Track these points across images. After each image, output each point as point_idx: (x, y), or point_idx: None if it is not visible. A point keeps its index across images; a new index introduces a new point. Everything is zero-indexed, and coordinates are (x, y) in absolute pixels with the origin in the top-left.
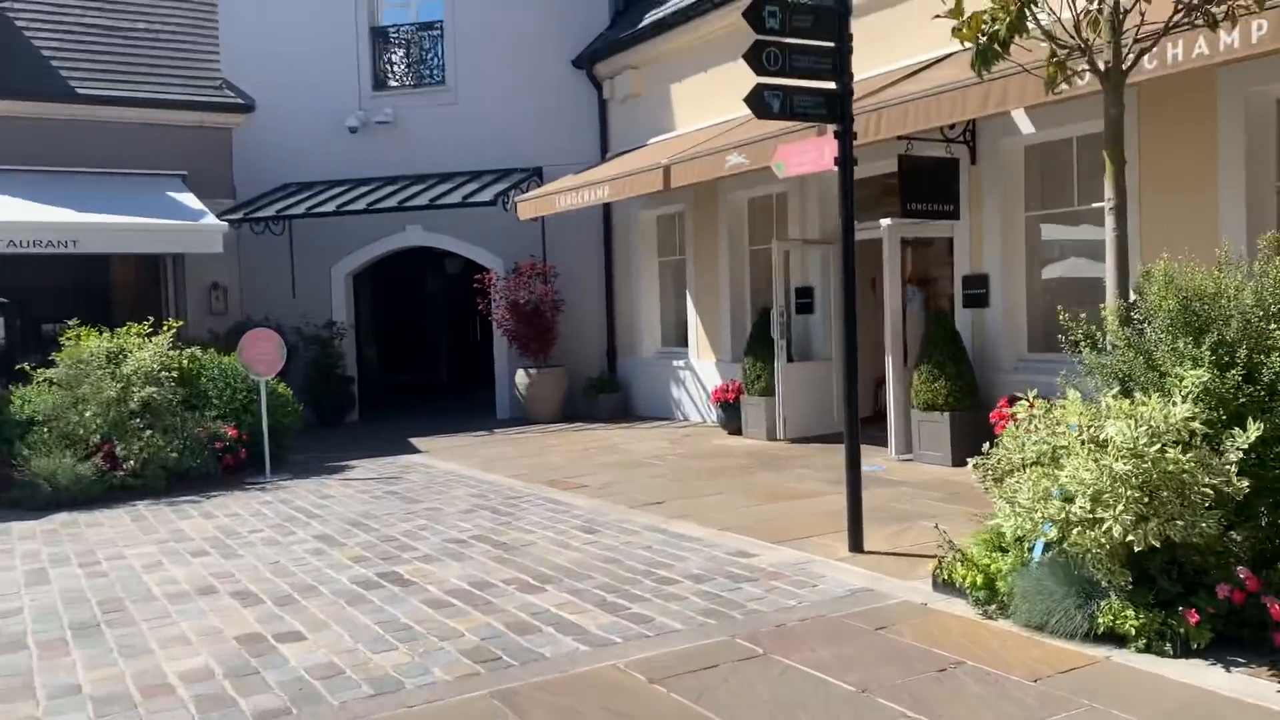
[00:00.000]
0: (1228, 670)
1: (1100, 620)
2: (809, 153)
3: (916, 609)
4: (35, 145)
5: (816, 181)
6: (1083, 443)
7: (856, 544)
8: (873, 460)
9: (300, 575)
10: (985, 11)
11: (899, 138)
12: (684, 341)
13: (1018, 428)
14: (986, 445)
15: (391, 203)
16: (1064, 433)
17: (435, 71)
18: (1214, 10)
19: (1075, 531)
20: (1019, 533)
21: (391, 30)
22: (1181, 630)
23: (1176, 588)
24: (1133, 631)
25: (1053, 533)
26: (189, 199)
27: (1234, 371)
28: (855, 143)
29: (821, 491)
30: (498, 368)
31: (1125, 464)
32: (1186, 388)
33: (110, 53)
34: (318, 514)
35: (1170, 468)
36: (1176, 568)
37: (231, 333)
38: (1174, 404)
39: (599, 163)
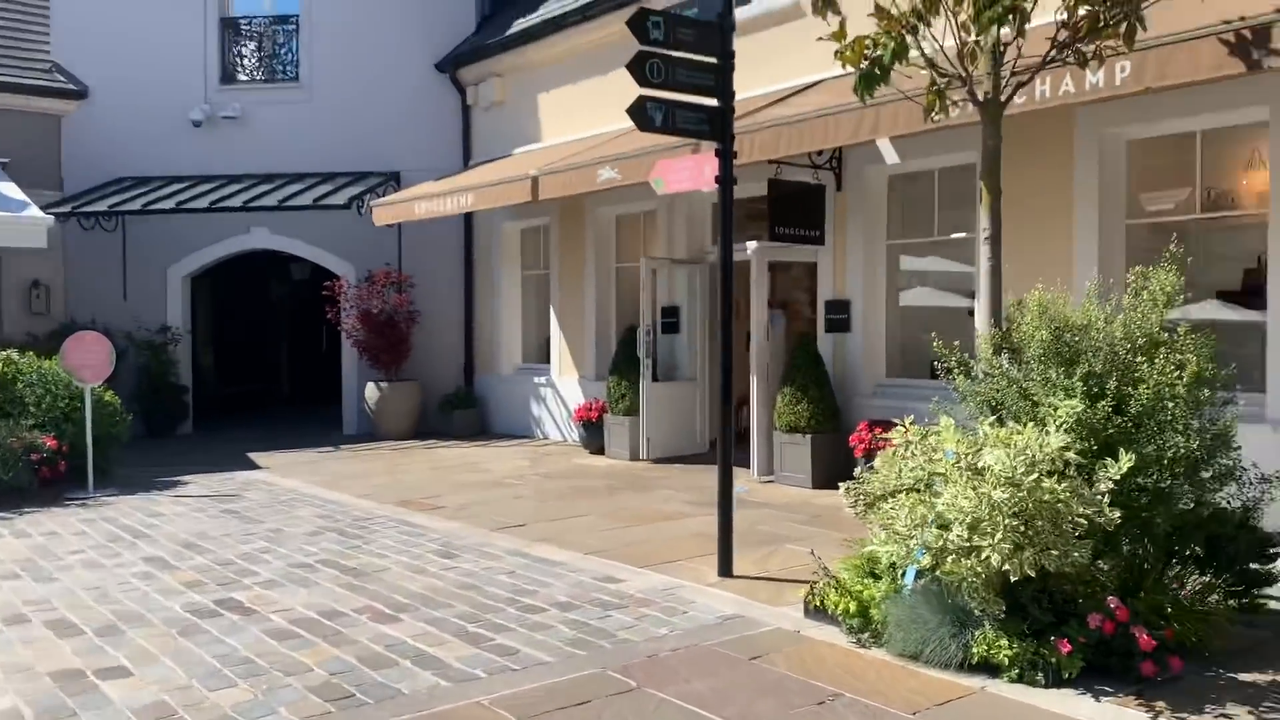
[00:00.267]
0: (1097, 700)
1: (975, 650)
2: (688, 170)
3: (790, 637)
4: None
5: (685, 201)
6: (961, 470)
7: (726, 569)
8: (736, 482)
9: (126, 602)
10: (868, 36)
11: (769, 161)
12: (546, 358)
13: (893, 453)
14: (858, 470)
15: (237, 202)
16: (941, 459)
17: (289, 67)
18: (1084, 49)
19: (950, 559)
20: (895, 560)
21: (243, 21)
22: (1053, 660)
23: (1048, 617)
24: (1006, 661)
25: (925, 560)
26: (10, 189)
27: (1103, 403)
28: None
29: (686, 513)
30: (346, 380)
31: (1003, 492)
32: (1061, 418)
33: None
34: (146, 533)
35: (1046, 497)
36: (1047, 596)
37: (54, 335)
38: (1048, 433)
39: (461, 170)
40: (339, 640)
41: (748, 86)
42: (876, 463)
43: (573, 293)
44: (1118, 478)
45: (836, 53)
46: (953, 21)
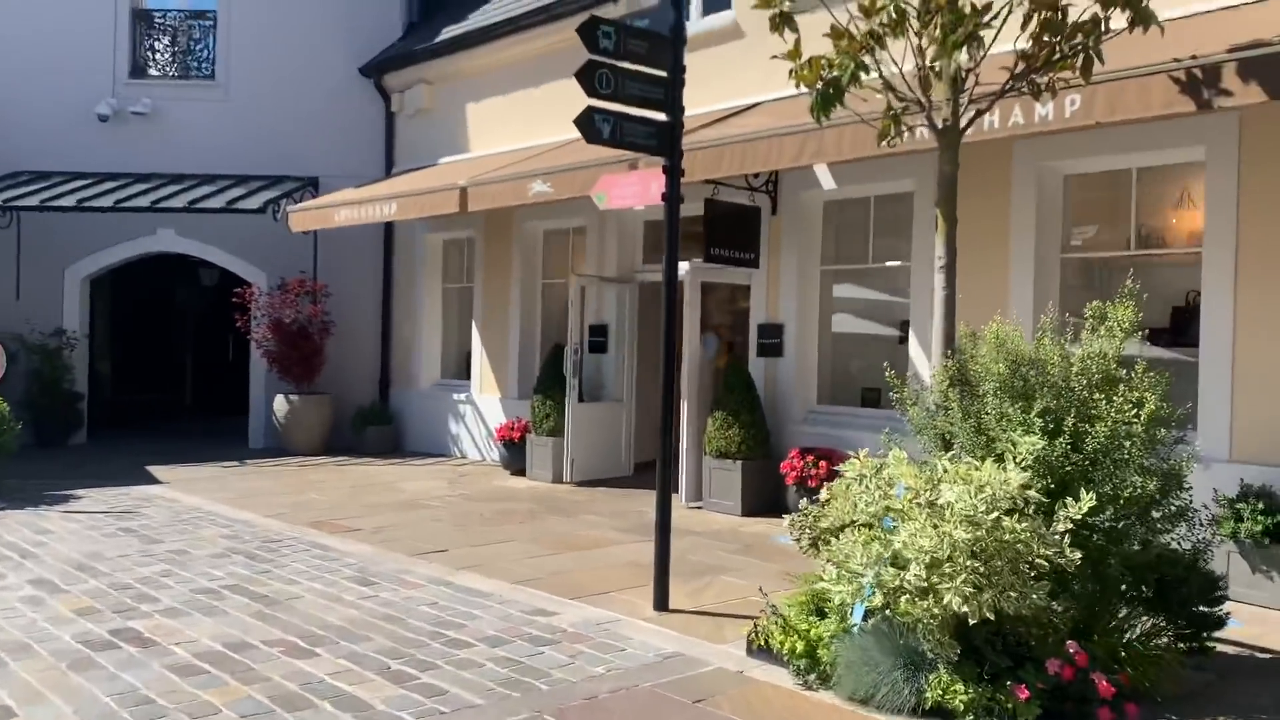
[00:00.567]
0: None
1: (929, 694)
2: (634, 185)
3: (733, 678)
4: None
5: (616, 218)
6: (919, 507)
7: (662, 602)
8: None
9: (10, 630)
10: (824, 57)
11: (705, 181)
12: (466, 374)
13: (847, 486)
14: (801, 501)
15: (143, 202)
16: (899, 495)
17: (204, 64)
18: (1038, 81)
19: (904, 599)
20: (847, 598)
21: (157, 15)
22: (1010, 705)
23: (1004, 661)
24: (961, 707)
25: (877, 599)
26: None
27: (1060, 440)
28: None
29: (615, 540)
30: (254, 392)
31: (965, 532)
32: (1021, 454)
33: None
34: (34, 553)
35: (1006, 537)
36: (1001, 639)
37: None
38: (1006, 470)
39: (383, 178)
40: (250, 677)
41: (685, 105)
42: (823, 495)
43: (497, 308)
44: (1078, 517)
45: (791, 72)
46: (914, 45)
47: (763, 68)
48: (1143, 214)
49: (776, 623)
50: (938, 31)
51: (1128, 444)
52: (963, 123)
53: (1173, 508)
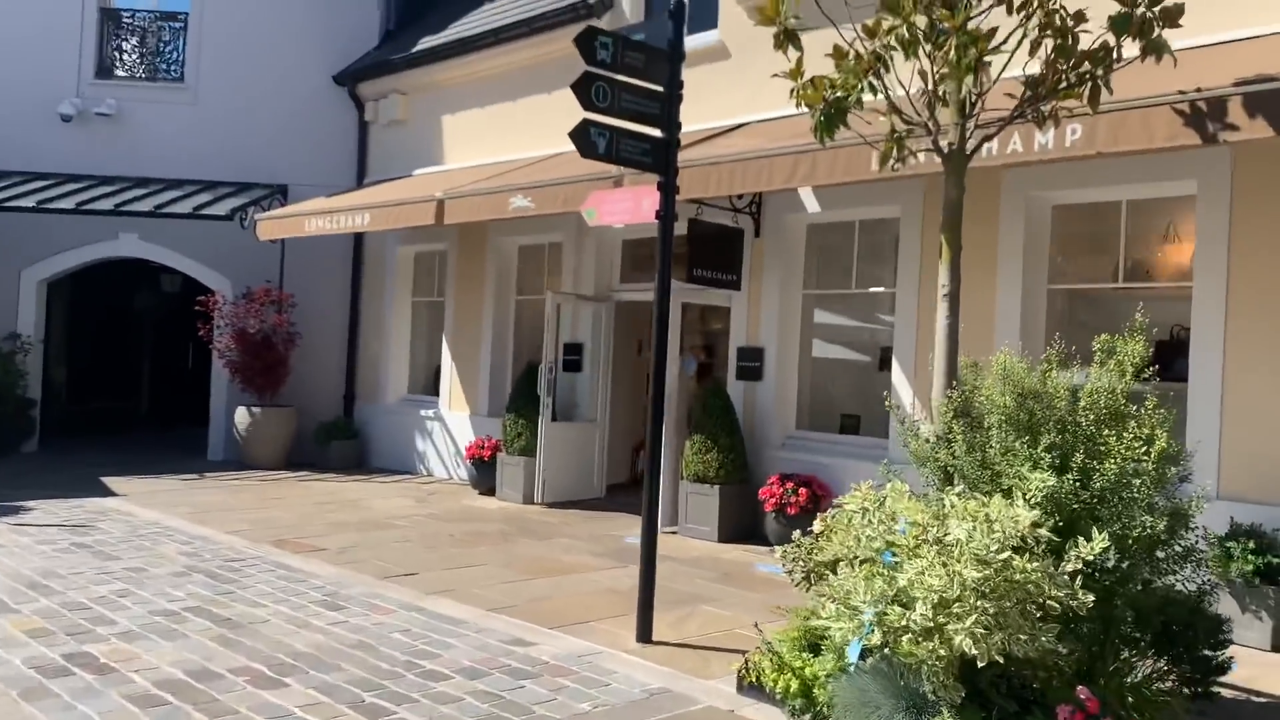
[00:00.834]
0: None
1: None
2: (625, 202)
3: (725, 717)
4: None
5: (594, 235)
6: (926, 543)
7: (645, 633)
8: (636, 532)
9: None
10: (826, 77)
11: (689, 201)
12: (435, 390)
13: (849, 519)
14: (796, 533)
15: (107, 205)
16: (904, 530)
17: (174, 67)
18: (1042, 108)
19: (906, 639)
20: (850, 637)
21: (125, 15)
22: None
23: (1011, 705)
24: None
25: (875, 637)
26: None
27: (1069, 476)
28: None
29: (592, 566)
30: (214, 403)
31: (976, 571)
32: (1031, 491)
33: None
34: None
35: (1017, 577)
36: (1006, 681)
37: None
38: (1015, 507)
39: (354, 188)
40: (215, 709)
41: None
42: (817, 526)
43: (469, 323)
44: (1090, 557)
45: (792, 91)
46: (924, 66)
47: (748, 88)
48: (1132, 246)
49: (770, 659)
50: (952, 54)
51: (1137, 482)
52: (969, 147)
53: (1178, 548)
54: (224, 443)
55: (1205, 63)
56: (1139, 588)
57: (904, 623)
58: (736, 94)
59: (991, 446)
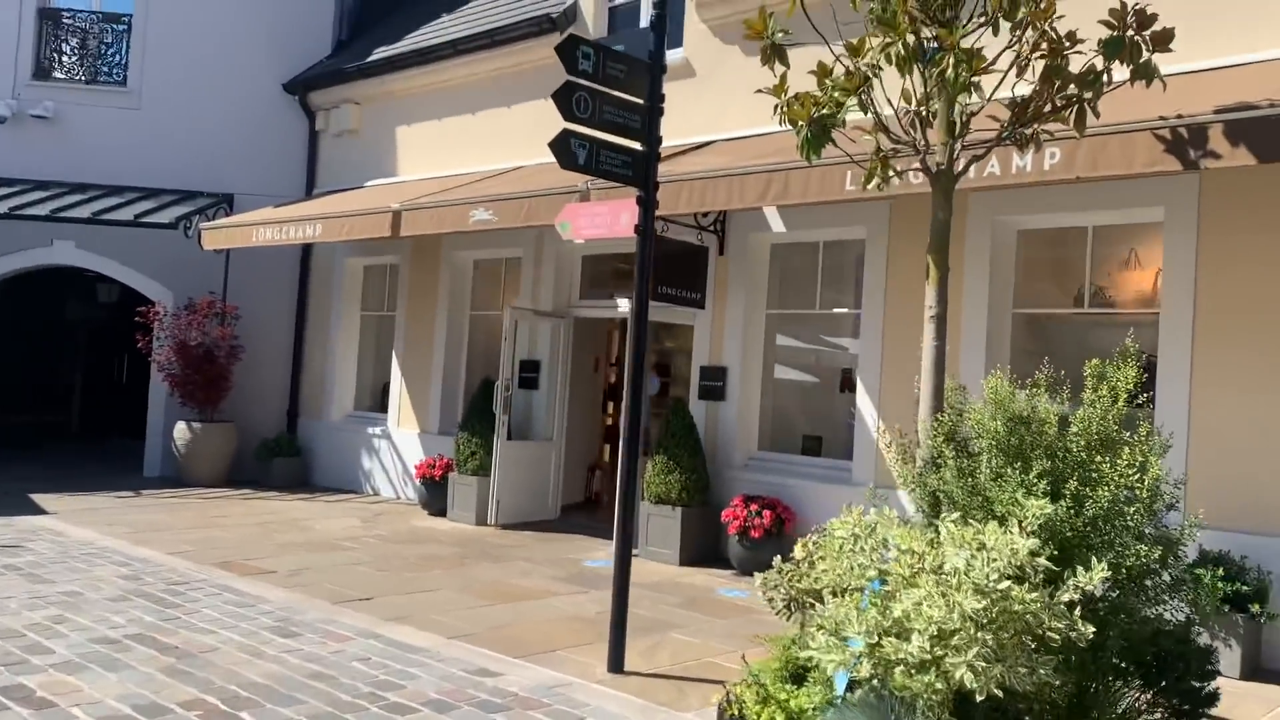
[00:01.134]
0: None
1: None
2: (602, 216)
3: None
4: None
5: (553, 251)
6: (923, 572)
7: (617, 663)
8: (595, 555)
9: None
10: (810, 94)
11: (657, 217)
12: (383, 407)
13: (840, 546)
14: (778, 560)
15: (42, 210)
16: (896, 558)
17: (116, 70)
18: (1024, 131)
19: (899, 671)
20: (844, 669)
21: (66, 15)
22: None
23: None
24: None
25: (864, 668)
26: None
27: (1062, 504)
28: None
29: (553, 590)
30: (152, 417)
31: (977, 601)
32: (1028, 518)
33: None
34: None
35: (1016, 607)
36: (1001, 715)
37: None
38: (1012, 535)
39: (303, 199)
40: None
41: None
42: (798, 552)
43: (420, 339)
44: (1090, 587)
45: (776, 108)
46: (915, 84)
47: (713, 106)
48: (1097, 272)
49: (753, 690)
50: (950, 71)
51: (1130, 509)
52: (957, 168)
53: (1167, 577)
54: (161, 459)
55: (1187, 89)
56: (1131, 617)
57: (900, 655)
58: (701, 112)
59: (981, 472)
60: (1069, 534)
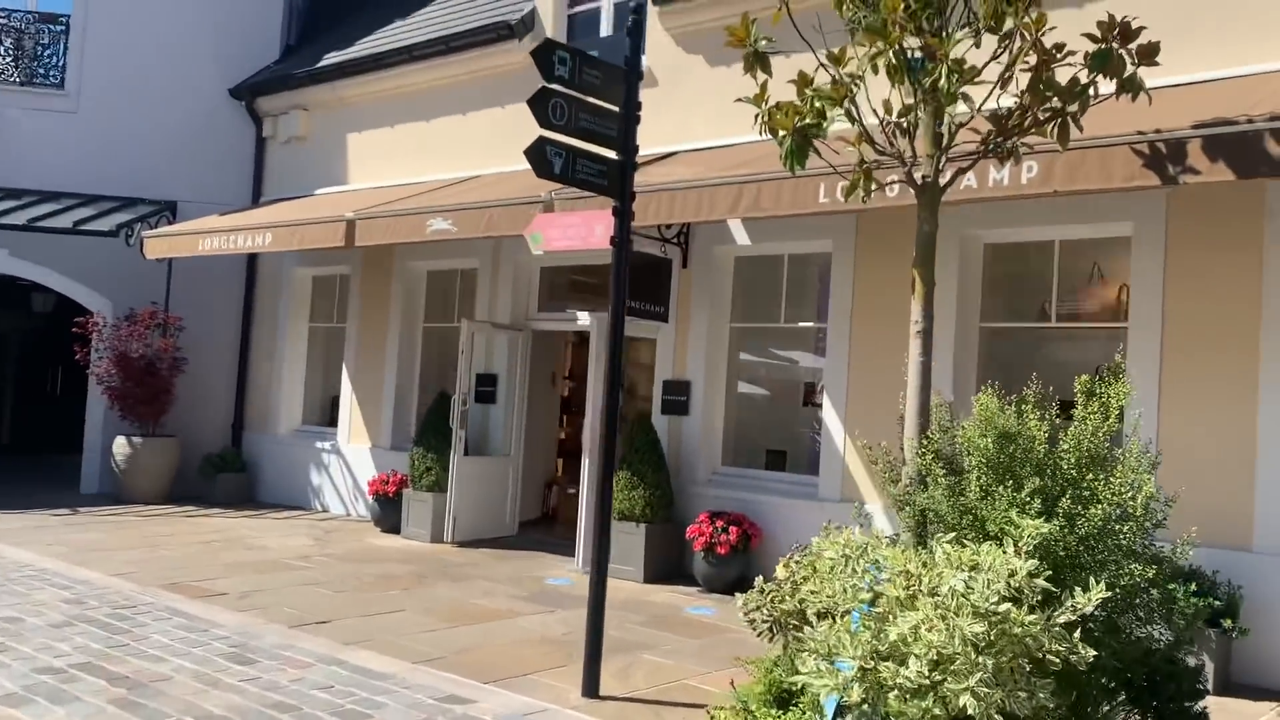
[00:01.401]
0: None
1: None
2: (575, 227)
3: None
4: None
5: (511, 262)
6: (921, 594)
7: (592, 688)
8: (557, 572)
9: None
10: (790, 103)
11: None
12: (333, 421)
13: (832, 567)
14: (759, 580)
15: None
16: (890, 580)
17: (53, 72)
18: (1005, 144)
19: (893, 696)
20: (837, 694)
21: (0, 14)
22: None
23: None
24: None
25: (855, 693)
26: None
27: (1056, 522)
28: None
29: (517, 610)
30: (90, 432)
31: (978, 625)
32: (1024, 538)
33: None
34: None
35: (1016, 630)
36: None
37: None
38: (1008, 555)
39: (249, 207)
40: None
41: None
42: (779, 572)
43: (372, 351)
44: (1088, 609)
45: (757, 117)
46: (902, 94)
47: (675, 117)
48: (1064, 286)
49: (739, 716)
50: (943, 81)
51: (1124, 528)
52: (943, 180)
53: (1156, 595)
54: (99, 475)
55: (1164, 104)
56: (1123, 637)
57: (898, 680)
58: (664, 123)
59: (970, 490)
60: (1061, 553)
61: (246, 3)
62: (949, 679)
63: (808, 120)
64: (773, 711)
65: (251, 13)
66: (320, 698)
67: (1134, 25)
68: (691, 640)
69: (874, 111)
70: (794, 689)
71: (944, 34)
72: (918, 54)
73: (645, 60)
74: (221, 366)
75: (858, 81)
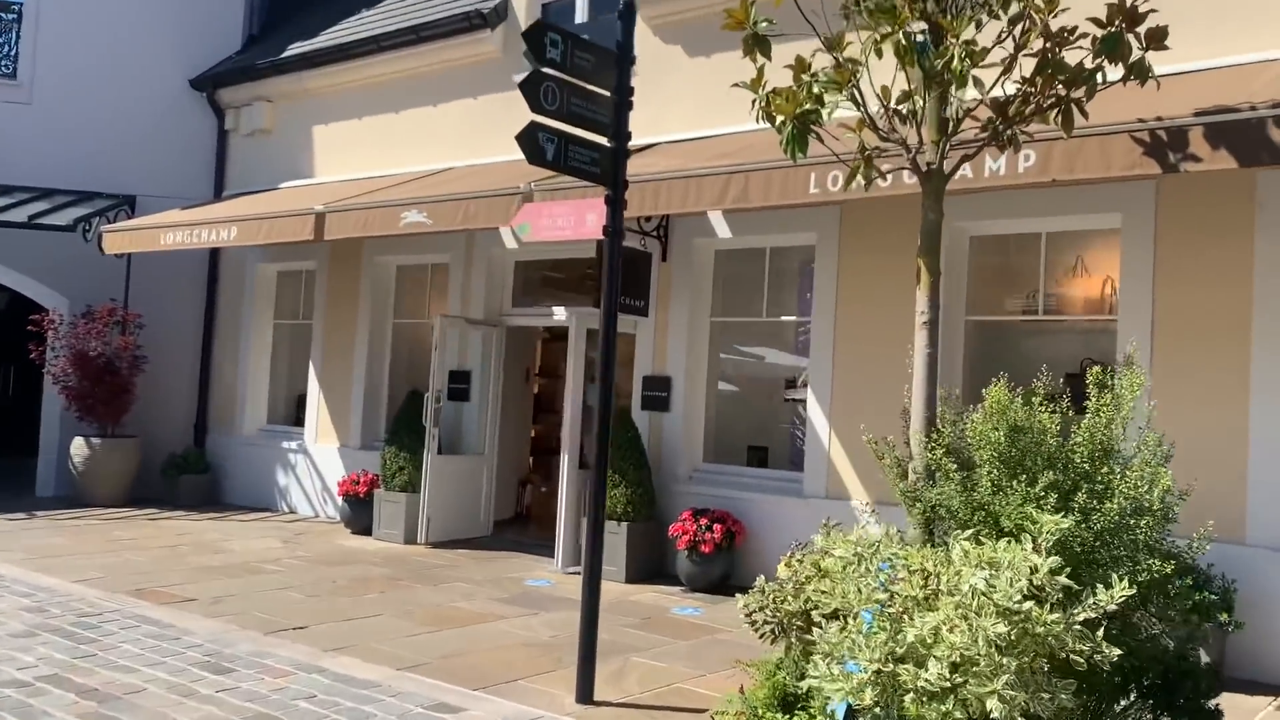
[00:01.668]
0: None
1: None
2: (564, 217)
3: None
4: None
5: (484, 256)
6: (941, 593)
7: (586, 694)
8: (536, 574)
9: None
10: (790, 88)
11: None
12: (299, 420)
13: (844, 568)
14: (761, 579)
15: None
16: (906, 579)
17: (5, 62)
18: (1006, 131)
19: (909, 698)
20: (850, 698)
21: None
22: None
23: None
24: None
25: (868, 696)
26: None
27: (1072, 517)
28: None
29: (499, 613)
30: (46, 433)
31: (1003, 626)
32: (1043, 534)
33: None
34: None
35: (1039, 629)
36: None
37: None
38: (1026, 552)
39: (211, 200)
40: None
41: None
42: (781, 571)
43: (340, 349)
44: (1112, 606)
45: (754, 103)
46: (908, 76)
47: (653, 109)
48: (1051, 279)
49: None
50: (956, 63)
51: (1141, 522)
52: (947, 167)
53: (1171, 592)
54: (56, 477)
55: (1164, 91)
56: (1140, 635)
57: (918, 683)
58: (641, 114)
59: (982, 485)
60: (1077, 549)
61: None
62: (970, 681)
63: (808, 106)
64: (779, 716)
65: (212, 1)
66: (303, 708)
67: (1141, 9)
68: (681, 642)
69: (877, 96)
70: (799, 693)
71: (960, 15)
72: (921, 37)
73: None
74: (183, 365)
75: (861, 66)
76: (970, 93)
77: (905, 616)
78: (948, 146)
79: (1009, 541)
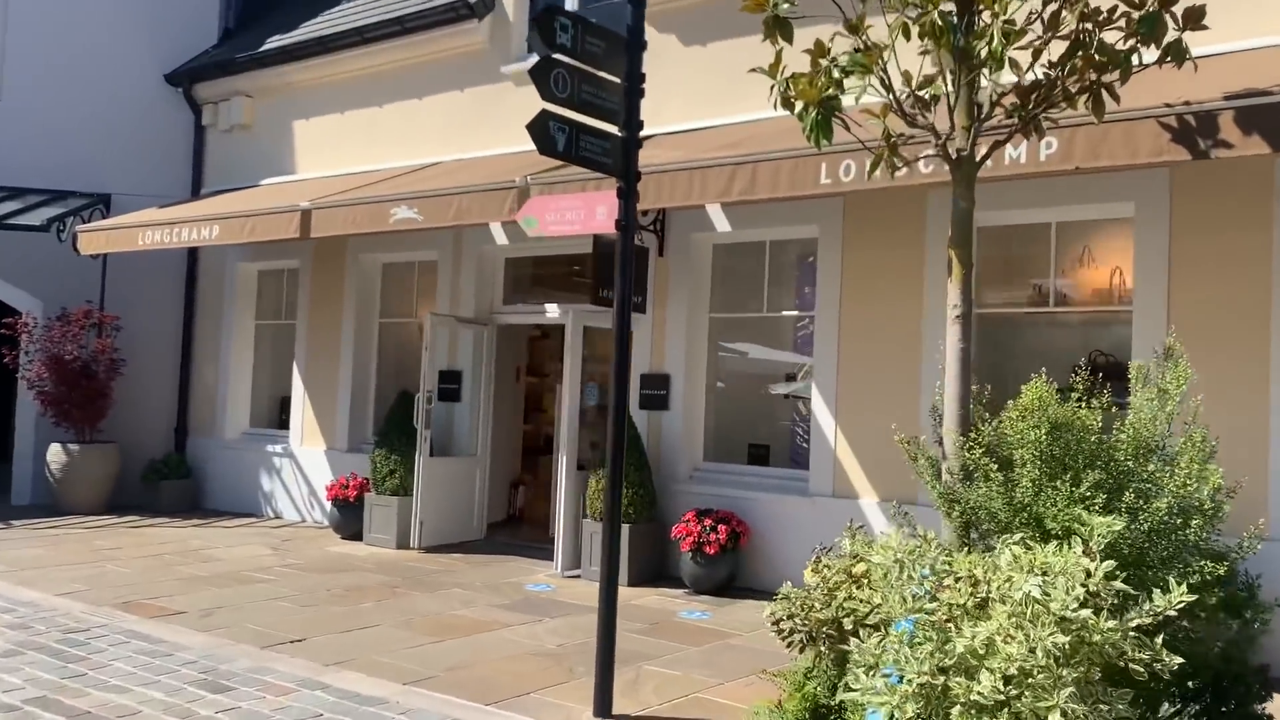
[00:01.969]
0: None
1: None
2: (573, 210)
3: None
4: None
5: (475, 253)
6: (993, 601)
7: (605, 707)
8: (535, 578)
9: None
10: (808, 74)
11: None
12: (284, 423)
13: (885, 574)
14: (787, 585)
15: None
16: (953, 586)
17: None
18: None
19: (955, 711)
20: (895, 714)
21: None
22: None
23: None
24: None
25: (910, 709)
26: None
27: (1120, 517)
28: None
29: (502, 621)
30: (21, 439)
31: (1061, 636)
32: (1095, 536)
33: None
34: None
35: (1096, 638)
36: None
37: None
38: (1078, 556)
39: (189, 198)
40: None
41: None
42: (808, 578)
43: (325, 349)
44: (1171, 611)
45: (773, 89)
46: (941, 59)
47: (649, 99)
48: (1061, 269)
49: None
50: (995, 44)
51: (1192, 522)
52: (979, 154)
53: (1221, 593)
54: (32, 484)
55: (1190, 74)
56: (1193, 639)
57: (971, 696)
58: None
59: (1022, 485)
60: (1126, 551)
61: None
62: (1026, 693)
63: (830, 91)
64: None
65: None
66: None
67: None
68: (693, 648)
69: (899, 81)
70: (831, 705)
71: None
72: (953, 18)
73: None
74: (163, 368)
75: (887, 48)
76: (1007, 76)
77: (952, 626)
78: (979, 132)
79: (1057, 545)
